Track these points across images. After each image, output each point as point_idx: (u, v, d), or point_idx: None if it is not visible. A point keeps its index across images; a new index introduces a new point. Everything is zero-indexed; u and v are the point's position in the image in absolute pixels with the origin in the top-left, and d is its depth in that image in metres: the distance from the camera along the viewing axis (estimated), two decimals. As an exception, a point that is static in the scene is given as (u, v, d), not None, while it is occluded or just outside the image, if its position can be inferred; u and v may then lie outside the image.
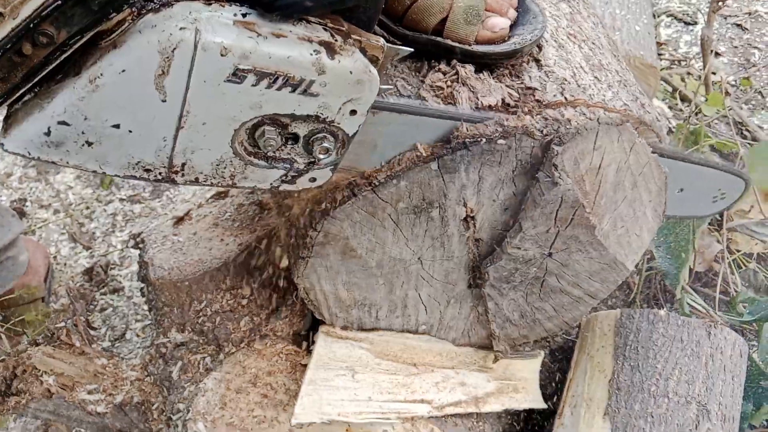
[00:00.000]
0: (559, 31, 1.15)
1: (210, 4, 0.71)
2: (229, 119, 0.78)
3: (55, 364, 1.35)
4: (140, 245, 1.49)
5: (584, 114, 0.98)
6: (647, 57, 1.85)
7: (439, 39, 1.02)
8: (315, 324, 1.31)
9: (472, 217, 1.08)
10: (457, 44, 1.02)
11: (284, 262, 1.29)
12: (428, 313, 1.25)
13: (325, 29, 0.77)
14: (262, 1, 0.73)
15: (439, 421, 1.28)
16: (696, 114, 1.84)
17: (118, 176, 0.79)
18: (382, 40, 0.81)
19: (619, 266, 1.16)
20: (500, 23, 1.03)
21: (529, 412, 1.42)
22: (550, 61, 1.05)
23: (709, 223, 1.58)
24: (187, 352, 1.38)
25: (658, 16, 2.69)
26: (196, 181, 0.83)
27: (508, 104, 0.98)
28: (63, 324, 1.40)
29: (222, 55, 0.71)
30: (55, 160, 0.75)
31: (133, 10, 0.68)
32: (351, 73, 0.78)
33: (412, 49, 0.89)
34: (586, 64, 1.09)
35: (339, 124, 0.83)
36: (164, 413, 1.37)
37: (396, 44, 0.86)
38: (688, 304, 1.51)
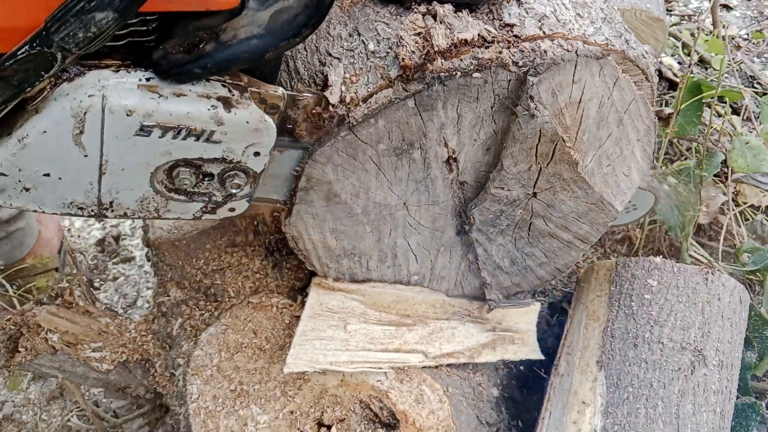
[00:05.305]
0: (542, -31, 1.12)
1: (118, 71, 0.82)
2: (144, 164, 0.89)
3: (60, 322, 1.38)
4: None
5: (562, 46, 0.96)
6: (654, 10, 1.80)
7: (416, -21, 1.01)
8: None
9: (455, 159, 1.07)
10: (434, -17, 1.01)
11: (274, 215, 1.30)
12: (419, 263, 1.24)
13: (224, 85, 0.87)
14: (159, 69, 0.83)
15: (432, 371, 1.28)
16: (700, 64, 1.79)
17: (56, 214, 0.92)
18: (280, 90, 0.91)
19: (607, 206, 1.14)
20: (479, -40, 1.02)
21: (531, 363, 1.41)
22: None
23: (715, 174, 1.54)
24: (187, 308, 1.40)
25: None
26: (125, 215, 0.96)
27: (485, 39, 0.97)
28: (65, 284, 1.43)
29: (128, 115, 0.82)
30: (0, 203, 0.88)
31: (51, 79, 0.79)
32: (248, 122, 0.88)
33: (313, 94, 0.98)
34: (568, 2, 1.07)
35: (246, 163, 0.93)
36: (167, 369, 1.39)
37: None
38: (691, 256, 1.48)
